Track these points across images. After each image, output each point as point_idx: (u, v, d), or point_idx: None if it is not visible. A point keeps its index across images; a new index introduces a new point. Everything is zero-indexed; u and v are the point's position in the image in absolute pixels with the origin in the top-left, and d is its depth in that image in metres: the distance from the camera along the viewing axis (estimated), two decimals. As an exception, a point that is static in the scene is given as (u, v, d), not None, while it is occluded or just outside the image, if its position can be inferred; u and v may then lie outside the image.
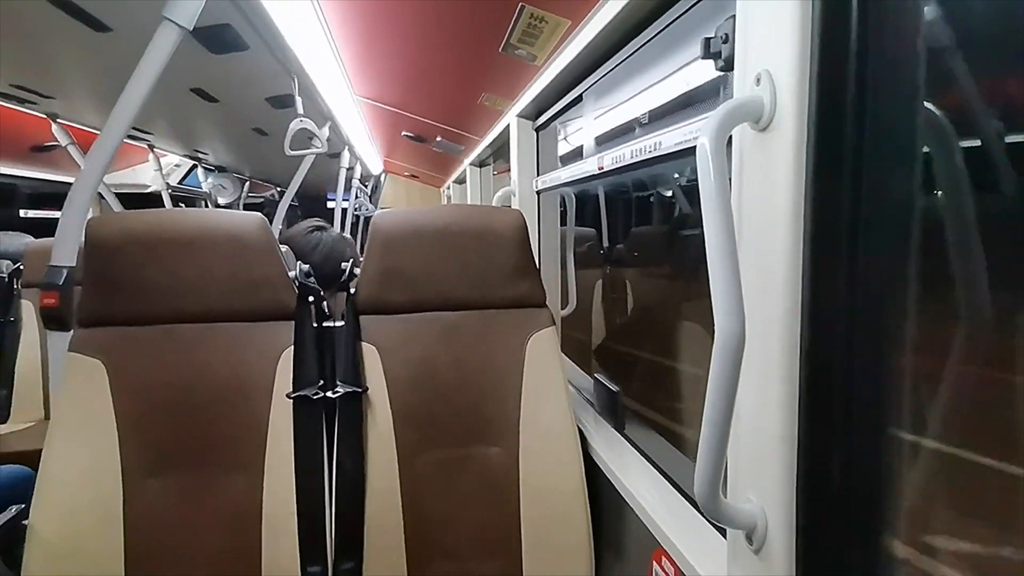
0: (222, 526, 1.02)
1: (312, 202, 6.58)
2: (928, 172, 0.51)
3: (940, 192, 0.52)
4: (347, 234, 3.62)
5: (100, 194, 3.13)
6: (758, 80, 0.54)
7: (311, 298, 1.12)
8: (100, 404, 1.01)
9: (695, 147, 0.51)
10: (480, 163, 3.31)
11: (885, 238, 0.51)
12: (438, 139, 2.94)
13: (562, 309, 1.82)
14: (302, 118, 1.85)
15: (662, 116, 1.15)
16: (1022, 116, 0.49)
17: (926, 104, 0.50)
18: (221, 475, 1.04)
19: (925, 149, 0.51)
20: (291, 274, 1.13)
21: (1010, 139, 0.49)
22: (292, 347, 1.08)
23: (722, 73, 0.70)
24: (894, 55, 0.50)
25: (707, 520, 0.79)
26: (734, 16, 0.61)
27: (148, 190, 4.24)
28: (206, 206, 4.79)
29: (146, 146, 3.47)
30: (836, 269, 0.51)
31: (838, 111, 0.50)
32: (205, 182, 4.53)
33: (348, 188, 4.06)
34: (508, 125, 1.86)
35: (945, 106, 0.51)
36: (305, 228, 1.52)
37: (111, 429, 1.01)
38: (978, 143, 0.52)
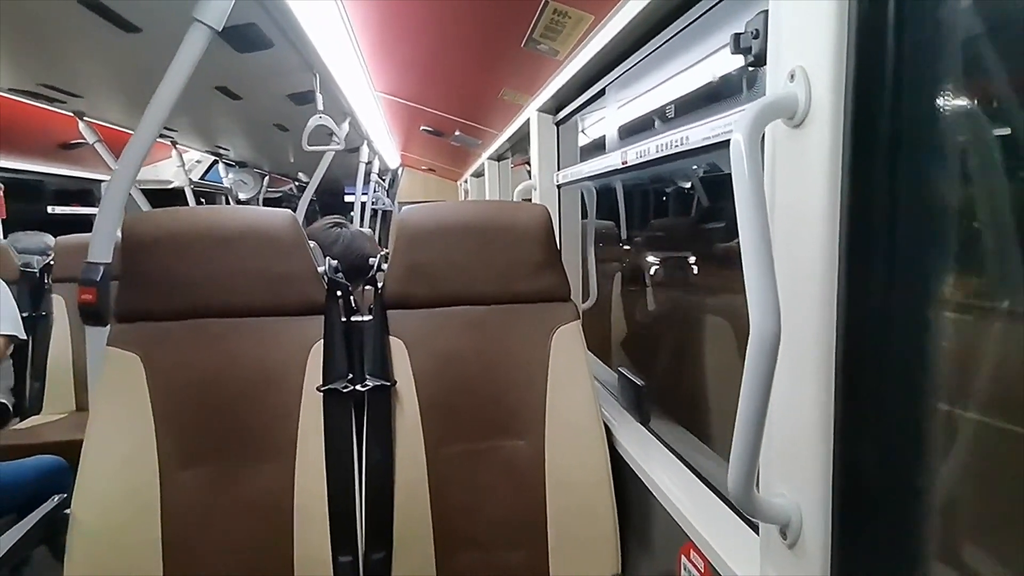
0: (255, 516, 1.05)
1: (330, 196, 6.64)
2: (966, 167, 0.51)
3: (978, 187, 0.52)
4: (366, 228, 3.63)
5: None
6: (792, 76, 0.54)
7: (340, 293, 1.14)
8: (137, 397, 1.04)
9: (722, 142, 0.51)
10: (498, 157, 3.31)
11: (922, 234, 0.51)
12: (456, 133, 2.94)
13: (583, 302, 1.83)
14: (321, 114, 1.87)
15: (688, 111, 1.14)
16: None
17: (964, 100, 0.50)
18: (253, 467, 1.06)
19: (963, 145, 0.51)
20: (320, 269, 1.15)
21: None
22: (322, 341, 1.10)
23: (752, 68, 0.70)
24: (932, 50, 0.49)
25: (737, 515, 0.80)
26: (766, 11, 0.61)
27: (171, 186, 4.30)
28: (227, 201, 4.86)
29: (169, 143, 3.53)
30: (872, 265, 0.51)
31: (875, 107, 0.50)
32: (226, 177, 4.59)
33: (366, 182, 4.08)
34: (528, 119, 1.86)
35: (983, 100, 0.50)
36: (326, 224, 1.54)
37: (148, 421, 1.04)
38: (1016, 137, 0.51)
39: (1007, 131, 0.50)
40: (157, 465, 1.03)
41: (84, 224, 3.02)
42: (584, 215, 1.87)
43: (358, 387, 1.08)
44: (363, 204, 4.07)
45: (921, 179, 0.51)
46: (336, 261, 1.18)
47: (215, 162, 4.51)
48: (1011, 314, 0.51)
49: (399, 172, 6.25)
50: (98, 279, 1.09)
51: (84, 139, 2.69)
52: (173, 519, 1.02)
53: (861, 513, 0.52)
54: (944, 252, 0.52)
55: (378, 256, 1.34)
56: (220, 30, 1.10)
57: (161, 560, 1.01)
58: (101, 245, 1.10)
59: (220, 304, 1.10)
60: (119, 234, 1.11)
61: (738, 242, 0.50)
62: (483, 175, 3.60)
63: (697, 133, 0.84)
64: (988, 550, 0.55)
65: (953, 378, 0.52)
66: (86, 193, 4.15)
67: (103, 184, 3.84)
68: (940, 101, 0.50)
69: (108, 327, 1.09)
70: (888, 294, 0.52)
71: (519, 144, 2.68)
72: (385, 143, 3.83)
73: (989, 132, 0.50)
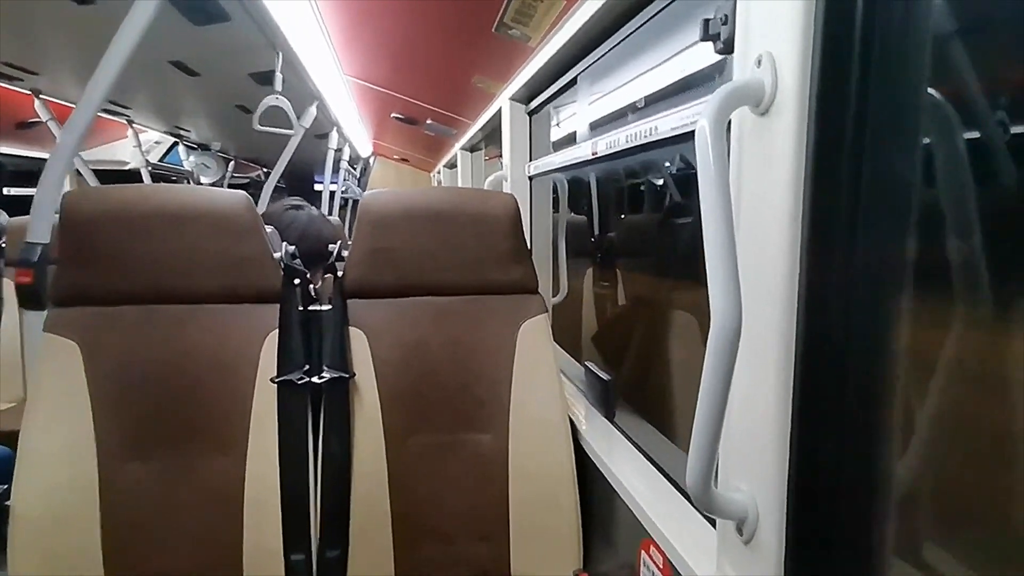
0: (202, 511, 1.01)
1: (299, 183, 6.48)
2: (930, 160, 0.50)
3: (941, 180, 0.51)
4: (335, 217, 3.56)
5: (78, 171, 3.07)
6: (759, 62, 0.53)
7: (297, 280, 1.10)
8: (74, 386, 0.99)
9: (691, 132, 0.50)
10: (472, 148, 3.28)
11: (885, 227, 0.50)
12: (429, 122, 2.89)
13: (553, 296, 1.81)
14: (278, 95, 1.80)
15: (658, 101, 1.13)
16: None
17: (930, 90, 0.49)
18: (202, 459, 1.02)
19: (927, 137, 0.50)
20: (276, 255, 1.10)
21: (1015, 129, 0.48)
22: (277, 330, 1.06)
23: (721, 57, 0.69)
24: (899, 38, 0.48)
25: (696, 510, 0.79)
26: (734, -3, 0.60)
27: (127, 167, 4.14)
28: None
29: (124, 121, 3.39)
30: (834, 258, 0.50)
31: (841, 95, 0.49)
32: (187, 160, 4.43)
33: (336, 170, 3.99)
34: (500, 108, 1.83)
35: (949, 93, 0.50)
36: (281, 207, 1.49)
37: (86, 411, 0.99)
38: (981, 133, 0.51)
39: (972, 123, 0.50)
40: (96, 457, 0.98)
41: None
42: (556, 208, 1.85)
43: (314, 379, 1.04)
44: (332, 193, 3.98)
45: (885, 170, 0.50)
46: (294, 247, 1.13)
47: (175, 144, 4.36)
48: (970, 310, 0.50)
49: (371, 161, 6.15)
50: (36, 260, 1.03)
51: (39, 118, 2.57)
52: (115, 513, 0.98)
53: (816, 509, 0.51)
54: (906, 246, 0.51)
55: (338, 243, 1.30)
56: None
57: (101, 554, 0.96)
58: (40, 224, 1.04)
59: (168, 289, 1.04)
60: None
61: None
62: (456, 166, 3.56)
63: (666, 123, 0.82)
64: (941, 545, 0.55)
65: (910, 374, 0.52)
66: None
67: (48, 159, 3.68)
68: (906, 91, 0.49)
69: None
70: (849, 288, 0.51)
71: (493, 135, 2.65)
72: (356, 130, 3.75)
73: (954, 124, 0.50)
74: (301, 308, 1.09)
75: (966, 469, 0.53)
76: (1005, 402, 0.50)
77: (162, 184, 1.06)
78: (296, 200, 1.53)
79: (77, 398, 0.98)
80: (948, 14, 0.49)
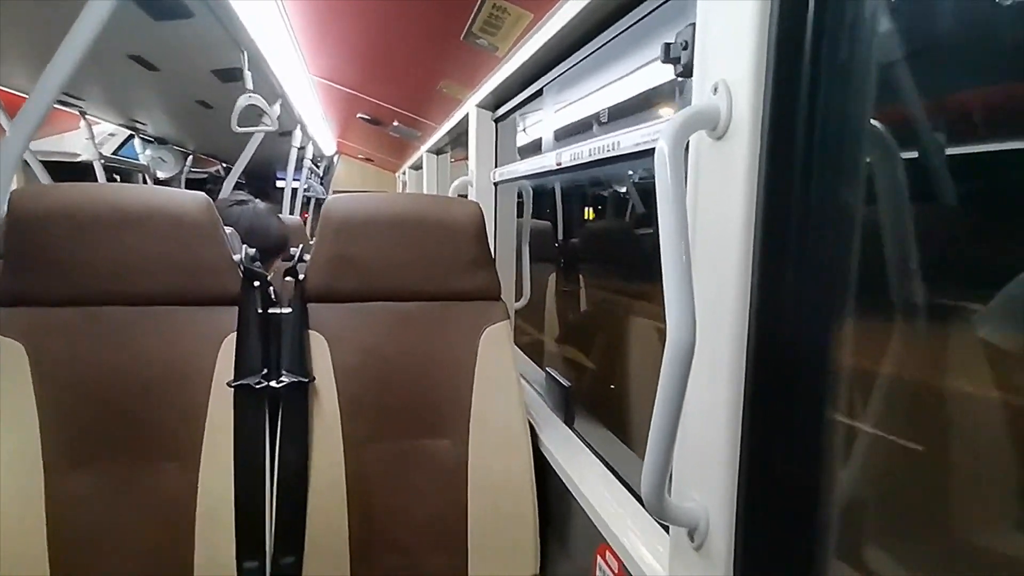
0: (154, 520, 0.98)
1: (261, 181, 6.33)
2: (871, 182, 0.54)
3: (882, 201, 0.55)
4: (296, 217, 3.49)
5: (25, 162, 2.93)
6: (715, 89, 0.55)
7: (257, 283, 1.08)
8: (19, 390, 0.95)
9: (652, 149, 0.51)
10: (438, 151, 3.27)
11: (831, 245, 0.53)
12: (395, 124, 2.87)
13: (516, 301, 1.83)
14: (251, 94, 1.77)
15: (621, 115, 1.16)
16: (962, 130, 0.52)
17: (875, 119, 0.53)
18: (154, 467, 0.99)
19: (869, 160, 0.53)
20: (236, 257, 1.08)
21: (950, 151, 0.52)
22: (235, 334, 1.04)
23: (680, 78, 0.71)
24: (847, 70, 0.51)
25: (652, 517, 0.81)
26: (694, 24, 0.62)
27: (78, 159, 3.97)
28: (144, 180, 4.54)
29: (77, 112, 3.25)
30: (784, 276, 0.53)
31: (791, 123, 0.52)
32: (143, 154, 4.28)
33: (299, 168, 3.92)
34: (467, 114, 1.83)
35: (892, 121, 0.53)
36: (224, 203, 1.46)
37: (31, 418, 0.95)
38: (919, 154, 0.55)
39: (912, 149, 0.53)
40: (41, 464, 0.94)
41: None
42: (520, 214, 1.86)
43: (272, 383, 1.02)
44: (294, 191, 3.91)
45: (832, 194, 0.53)
46: (254, 249, 1.11)
47: (131, 136, 4.20)
48: (909, 325, 0.54)
49: (335, 160, 6.05)
50: None
51: None
52: (61, 524, 0.94)
53: (764, 517, 0.54)
54: (851, 262, 0.54)
55: (300, 245, 1.28)
56: None
57: (48, 567, 0.92)
58: None
59: (121, 290, 1.01)
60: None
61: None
62: (422, 168, 3.54)
63: (628, 139, 0.85)
64: (884, 551, 0.58)
65: (854, 386, 0.55)
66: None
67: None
68: (851, 118, 0.52)
69: None
70: (797, 303, 0.53)
71: (459, 139, 2.65)
72: (320, 129, 3.69)
73: (894, 148, 0.53)
74: (260, 311, 1.08)
75: (903, 477, 0.57)
76: (940, 407, 0.53)
77: (117, 184, 1.02)
78: (240, 194, 1.50)
79: (22, 403, 0.94)
80: (892, 47, 0.53)
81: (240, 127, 1.83)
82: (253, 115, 1.91)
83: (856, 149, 0.53)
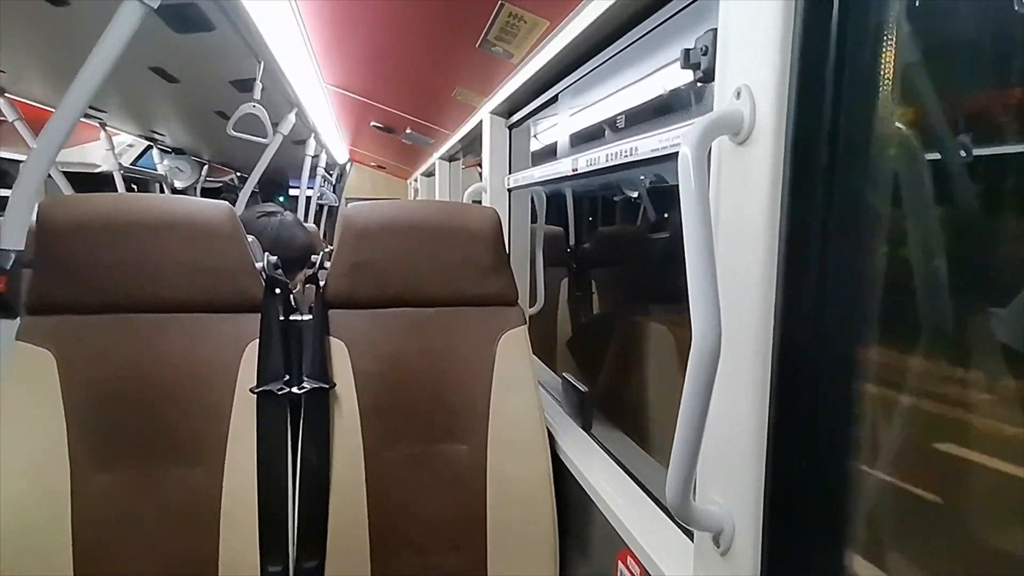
0: (178, 523, 0.99)
1: (274, 189, 6.41)
2: (898, 189, 0.54)
3: (908, 206, 0.54)
4: (311, 223, 3.52)
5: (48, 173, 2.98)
6: (738, 94, 0.55)
7: (278, 290, 1.10)
8: (48, 396, 0.97)
9: (670, 154, 0.52)
10: (450, 157, 3.29)
11: (857, 250, 0.53)
12: (408, 131, 2.90)
13: (530, 307, 1.83)
14: (255, 103, 1.80)
15: (639, 121, 1.16)
16: (987, 133, 0.52)
17: (899, 123, 0.53)
18: (178, 471, 1.00)
19: (897, 167, 0.53)
20: (258, 265, 1.10)
21: (977, 153, 0.51)
22: (257, 340, 1.05)
23: (700, 84, 0.72)
24: (871, 74, 0.51)
25: (673, 521, 0.81)
26: (715, 29, 0.63)
27: (98, 170, 4.04)
28: (161, 189, 4.61)
29: (97, 124, 3.31)
30: (809, 280, 0.53)
31: (815, 127, 0.52)
32: (160, 164, 4.35)
33: (312, 176, 3.96)
34: (480, 121, 1.85)
35: (917, 125, 0.53)
36: (254, 213, 1.49)
37: (59, 422, 0.96)
38: (945, 158, 0.55)
39: (938, 154, 0.53)
40: (68, 468, 0.96)
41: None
42: (534, 220, 1.87)
43: (294, 389, 1.04)
44: (308, 199, 3.94)
45: (857, 198, 0.53)
46: (276, 257, 1.13)
47: (149, 147, 4.27)
48: (937, 328, 0.53)
49: (347, 167, 6.10)
50: (8, 267, 1.00)
51: (4, 116, 2.50)
52: (87, 525, 0.95)
53: (791, 521, 0.54)
54: (876, 269, 0.54)
55: (321, 253, 1.30)
56: (156, 7, 1.03)
57: (72, 570, 0.94)
58: (13, 230, 1.02)
59: (147, 298, 1.03)
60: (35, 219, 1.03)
61: (682, 252, 0.51)
62: (434, 175, 3.56)
63: (646, 144, 0.85)
64: (913, 556, 0.58)
65: (880, 391, 0.55)
66: (3, 174, 3.85)
67: (22, 165, 3.57)
68: (877, 124, 0.52)
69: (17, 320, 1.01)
70: (822, 309, 0.53)
71: (471, 145, 2.67)
72: (333, 137, 3.73)
73: (921, 155, 0.53)
74: (282, 318, 1.09)
75: (932, 481, 0.56)
76: (966, 413, 0.53)
77: (142, 194, 1.05)
78: (270, 206, 1.52)
79: (50, 408, 0.96)
80: (916, 50, 0.53)
81: (235, 131, 1.85)
82: (258, 124, 1.93)
83: (881, 153, 0.53)
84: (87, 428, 0.98)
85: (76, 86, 1.03)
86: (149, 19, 1.06)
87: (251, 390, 1.02)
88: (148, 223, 1.01)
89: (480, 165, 1.88)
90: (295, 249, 1.47)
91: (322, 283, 1.14)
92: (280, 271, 1.12)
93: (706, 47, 0.66)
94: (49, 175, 3.00)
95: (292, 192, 6.34)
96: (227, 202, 1.07)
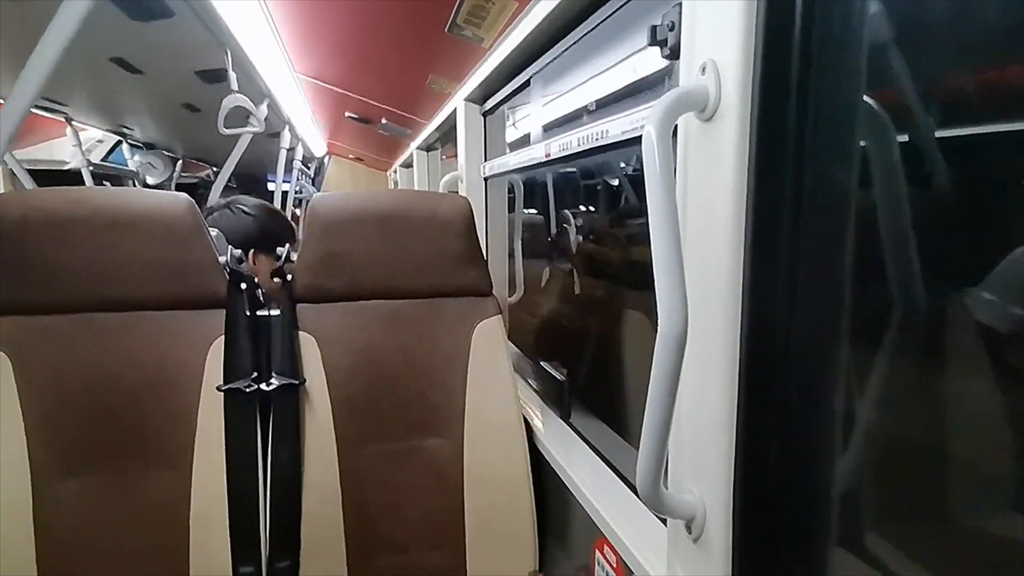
0: (146, 527, 0.96)
1: (252, 183, 6.30)
2: (866, 165, 0.52)
3: (876, 182, 0.53)
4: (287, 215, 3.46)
5: (12, 171, 2.90)
6: (703, 69, 0.54)
7: (244, 285, 1.06)
8: (4, 399, 0.93)
9: (640, 136, 0.50)
10: (428, 147, 3.25)
11: (825, 229, 0.52)
12: (383, 121, 2.85)
13: (509, 296, 1.81)
14: (237, 94, 1.75)
15: (609, 104, 1.14)
16: (958, 111, 0.50)
17: (866, 98, 0.51)
18: (145, 473, 0.97)
19: (864, 142, 0.52)
20: (222, 259, 1.06)
21: (943, 134, 0.50)
22: (223, 337, 1.02)
23: (668, 62, 0.70)
24: (838, 48, 0.50)
25: (649, 510, 0.80)
26: (680, 4, 0.61)
27: (67, 167, 3.93)
28: (134, 186, 4.50)
29: (63, 119, 3.21)
30: (777, 262, 0.52)
31: (781, 102, 0.50)
32: (132, 160, 4.24)
33: (289, 170, 3.89)
34: (455, 109, 1.81)
35: (884, 101, 0.52)
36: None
37: (17, 427, 0.93)
38: (914, 137, 0.53)
39: (906, 132, 0.52)
40: (28, 475, 0.92)
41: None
42: (511, 208, 1.85)
43: (263, 386, 1.01)
44: (284, 193, 3.88)
45: (824, 176, 0.52)
46: (240, 251, 1.09)
47: (119, 143, 4.16)
48: (907, 313, 0.52)
49: (326, 160, 6.02)
50: None
51: None
52: (51, 534, 0.92)
53: (761, 508, 0.53)
54: (844, 248, 0.53)
55: (287, 246, 1.26)
56: None
57: None
58: None
59: (106, 296, 0.99)
60: None
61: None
62: (412, 166, 3.52)
63: (617, 126, 0.83)
64: (881, 542, 0.57)
65: (850, 377, 0.54)
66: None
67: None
68: (843, 97, 0.51)
69: None
70: (791, 291, 0.52)
71: (448, 134, 2.63)
72: (309, 129, 3.66)
73: (890, 132, 0.52)
74: (248, 313, 1.06)
75: (900, 467, 0.55)
76: (941, 399, 0.52)
77: (99, 187, 1.00)
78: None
79: (7, 413, 0.93)
80: (884, 23, 0.51)
81: (227, 129, 1.81)
82: (241, 117, 1.89)
83: (850, 129, 0.52)
84: (48, 434, 0.94)
85: (25, 76, 0.98)
86: (104, 6, 1.01)
87: (218, 388, 0.99)
88: (105, 217, 0.97)
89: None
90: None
91: (289, 277, 1.11)
92: (244, 265, 1.08)
93: (673, 23, 0.64)
94: (15, 175, 2.93)
95: (271, 187, 6.25)
96: (186, 194, 1.04)
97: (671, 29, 0.65)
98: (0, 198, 0.97)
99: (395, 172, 4.86)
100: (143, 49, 1.80)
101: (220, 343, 1.02)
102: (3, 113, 1.02)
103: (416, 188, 3.53)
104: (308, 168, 5.42)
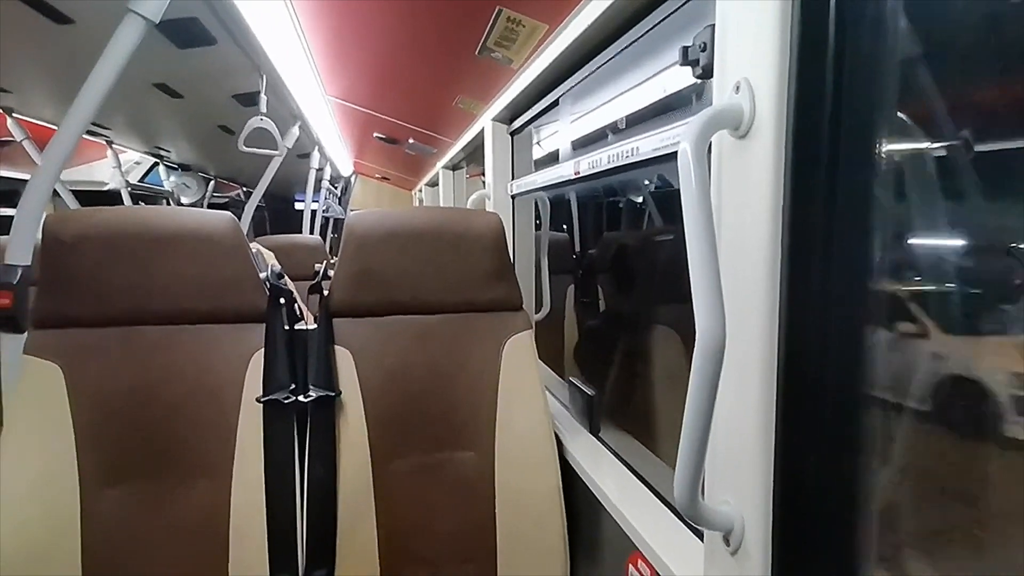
0: (187, 536, 0.99)
1: (280, 203, 6.45)
2: (900, 181, 0.53)
3: (912, 199, 0.54)
4: (316, 236, 3.54)
5: (56, 191, 3.02)
6: (737, 88, 0.55)
7: (283, 300, 1.10)
8: (56, 410, 0.97)
9: (672, 153, 0.51)
10: (453, 166, 3.30)
11: (861, 243, 0.52)
12: (410, 141, 2.91)
13: (536, 313, 1.83)
14: (263, 116, 1.82)
15: (639, 121, 1.16)
16: (988, 126, 0.51)
17: (899, 113, 0.52)
18: (186, 483, 1.00)
19: (898, 159, 0.53)
20: (262, 275, 1.10)
21: (978, 148, 0.51)
22: (262, 350, 1.05)
23: (699, 80, 0.72)
24: (870, 67, 0.51)
25: (683, 522, 0.80)
26: (713, 25, 0.62)
27: (106, 188, 4.09)
28: (168, 205, 4.65)
29: (104, 142, 3.35)
30: (813, 275, 0.52)
31: (815, 119, 0.52)
32: (167, 180, 4.39)
33: (317, 190, 3.98)
34: (483, 128, 1.85)
35: (918, 117, 0.52)
36: None
37: (68, 437, 0.97)
38: (947, 151, 0.54)
39: (939, 146, 0.52)
40: (78, 483, 0.96)
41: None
42: (538, 226, 1.87)
43: (300, 398, 1.03)
44: (313, 212, 3.97)
45: (860, 190, 0.52)
46: (280, 267, 1.13)
47: (155, 164, 4.32)
48: (944, 324, 0.53)
49: (352, 180, 6.14)
50: (15, 282, 1.01)
51: (12, 137, 2.54)
52: (95, 541, 0.95)
53: (800, 519, 0.53)
54: (881, 263, 0.53)
55: (323, 262, 1.30)
56: (157, 23, 1.05)
57: None
58: (19, 246, 1.03)
59: (151, 310, 1.03)
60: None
61: (686, 253, 0.50)
62: (438, 184, 3.57)
63: (647, 144, 0.85)
64: (924, 556, 0.56)
65: (890, 387, 0.54)
66: (13, 194, 3.90)
67: (28, 181, 3.61)
68: (877, 116, 0.52)
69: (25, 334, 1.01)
70: (828, 303, 0.53)
71: (474, 153, 2.68)
72: (337, 149, 3.76)
73: (923, 147, 0.52)
74: (287, 327, 1.09)
75: (942, 480, 0.55)
76: (978, 405, 0.52)
77: (146, 206, 1.06)
78: None
79: (59, 423, 0.96)
80: (915, 40, 0.52)
81: (247, 147, 1.88)
82: (266, 138, 1.95)
83: (883, 145, 0.53)
84: (95, 442, 0.98)
85: (79, 103, 1.04)
86: (151, 35, 1.07)
87: (257, 399, 1.01)
88: (152, 235, 1.02)
89: (484, 175, 1.89)
90: None
91: (326, 292, 1.14)
92: (284, 280, 1.12)
93: (704, 43, 0.66)
94: (58, 194, 3.06)
95: (298, 206, 6.40)
96: (229, 213, 1.08)
97: (703, 49, 0.67)
98: (53, 218, 1.02)
99: (420, 191, 4.93)
100: (185, 75, 1.89)
101: (260, 356, 1.05)
102: (56, 139, 1.08)
103: (441, 206, 3.58)
104: (335, 187, 5.54)
